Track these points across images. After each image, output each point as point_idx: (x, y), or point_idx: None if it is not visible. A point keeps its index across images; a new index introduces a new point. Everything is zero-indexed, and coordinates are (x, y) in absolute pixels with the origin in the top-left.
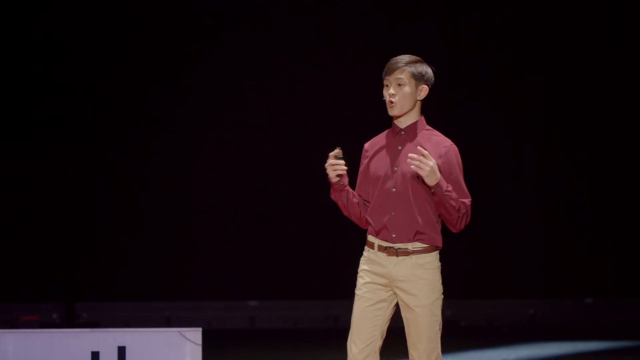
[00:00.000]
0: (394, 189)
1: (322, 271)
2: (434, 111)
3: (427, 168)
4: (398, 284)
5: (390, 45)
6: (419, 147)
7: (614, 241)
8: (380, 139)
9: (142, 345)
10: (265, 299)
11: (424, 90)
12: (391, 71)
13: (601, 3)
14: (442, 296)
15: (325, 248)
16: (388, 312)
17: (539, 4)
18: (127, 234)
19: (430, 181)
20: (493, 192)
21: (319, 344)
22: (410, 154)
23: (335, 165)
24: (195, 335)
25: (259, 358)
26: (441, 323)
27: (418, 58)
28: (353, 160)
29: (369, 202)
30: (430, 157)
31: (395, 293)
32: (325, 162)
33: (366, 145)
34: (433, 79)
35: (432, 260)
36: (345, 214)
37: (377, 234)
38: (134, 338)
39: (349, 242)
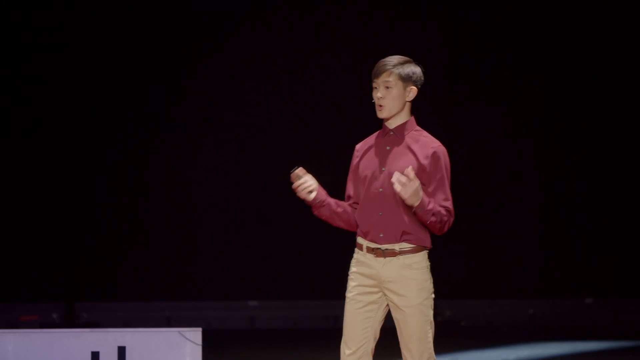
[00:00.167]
0: (381, 189)
1: (322, 271)
2: (434, 111)
3: (410, 190)
4: (387, 284)
5: (390, 45)
6: (406, 171)
7: (614, 241)
8: (370, 140)
9: (142, 345)
10: (265, 299)
11: (412, 92)
12: (379, 74)
13: (601, 3)
14: (433, 295)
15: (325, 248)
16: (380, 314)
17: (539, 4)
18: (127, 234)
19: (413, 202)
20: (493, 192)
21: (319, 344)
22: (395, 174)
23: (302, 185)
24: (195, 335)
25: (259, 358)
26: (433, 323)
27: (406, 59)
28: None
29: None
30: (416, 178)
31: (384, 294)
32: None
33: (357, 145)
34: (422, 79)
35: (420, 260)
36: (334, 225)
37: (365, 235)
38: (134, 338)
39: (349, 242)
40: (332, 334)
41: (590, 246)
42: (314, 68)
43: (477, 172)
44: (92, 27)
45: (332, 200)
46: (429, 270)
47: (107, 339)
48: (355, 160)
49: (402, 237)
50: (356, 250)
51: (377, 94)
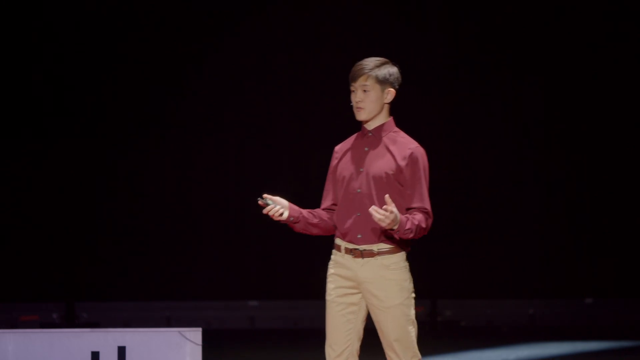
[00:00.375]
0: (359, 190)
1: (322, 271)
2: (434, 111)
3: (389, 220)
4: (365, 285)
5: (390, 45)
6: (384, 207)
7: (614, 241)
8: (349, 141)
9: (142, 345)
10: (265, 299)
11: (390, 94)
12: (356, 77)
13: (601, 3)
14: (414, 295)
15: (326, 248)
16: (361, 315)
17: (539, 4)
18: (127, 234)
19: (392, 226)
20: (493, 192)
21: (318, 344)
22: (372, 209)
23: (272, 210)
24: (195, 335)
25: (259, 358)
26: (415, 322)
27: (383, 60)
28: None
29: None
30: (394, 206)
31: (364, 296)
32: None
33: (337, 147)
34: (399, 79)
35: (399, 261)
36: (313, 234)
37: (343, 237)
38: (134, 338)
39: None
40: None
41: (590, 246)
42: (314, 68)
43: (477, 172)
44: (92, 27)
45: (306, 214)
46: (408, 270)
47: (107, 339)
48: (334, 162)
49: (381, 237)
50: (334, 251)
51: (355, 98)
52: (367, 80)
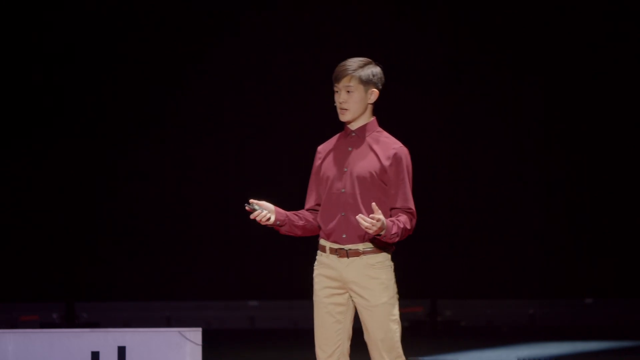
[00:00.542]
0: (343, 190)
1: None
2: (434, 111)
3: (375, 229)
4: (351, 285)
5: (390, 45)
6: (371, 215)
7: (614, 241)
8: (332, 141)
9: (142, 345)
10: (265, 299)
11: (374, 94)
12: (339, 78)
13: (601, 3)
14: (397, 295)
15: None
16: (349, 315)
17: (539, 4)
18: (127, 234)
19: (379, 232)
20: (493, 192)
21: None
22: (359, 217)
23: (259, 215)
24: (195, 335)
25: (259, 358)
26: (399, 322)
27: (366, 60)
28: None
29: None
30: (380, 212)
31: (349, 295)
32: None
33: (320, 147)
34: (383, 80)
35: (384, 260)
36: (299, 236)
37: (328, 237)
38: (134, 338)
39: None
40: None
41: (590, 246)
42: (314, 68)
43: (477, 172)
44: (92, 27)
45: (292, 216)
46: (392, 269)
47: (107, 339)
48: (317, 162)
49: (366, 236)
50: (319, 252)
51: (339, 99)
52: (351, 81)
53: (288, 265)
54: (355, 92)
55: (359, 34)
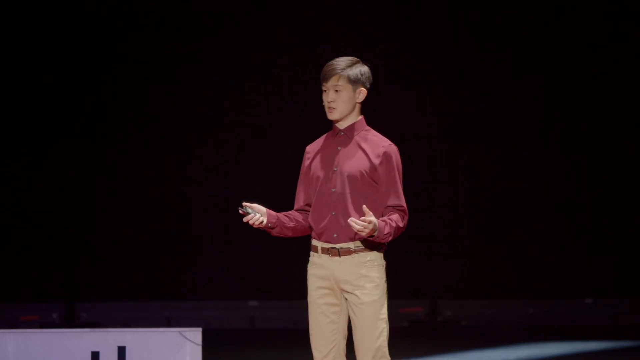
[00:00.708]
0: (333, 189)
1: None
2: (434, 111)
3: (367, 231)
4: (342, 284)
5: (390, 45)
6: (363, 218)
7: (614, 241)
8: (320, 141)
9: (142, 345)
10: (265, 299)
11: (362, 93)
12: (328, 77)
13: (601, 3)
14: (387, 295)
15: None
16: (344, 315)
17: (539, 4)
18: (127, 234)
19: (371, 233)
20: (493, 192)
21: None
22: (351, 220)
23: (252, 219)
24: (195, 335)
25: (259, 358)
26: (387, 322)
27: (354, 59)
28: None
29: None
30: (371, 214)
31: (341, 294)
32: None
33: (308, 147)
34: (371, 79)
35: (375, 258)
36: (291, 236)
37: (319, 237)
38: (134, 338)
39: None
40: None
41: (590, 246)
42: (314, 68)
43: (477, 172)
44: (92, 27)
45: (283, 218)
46: (384, 269)
47: (107, 339)
48: (306, 162)
49: (357, 235)
50: (311, 253)
51: (327, 98)
52: (339, 80)
53: (288, 265)
54: (344, 91)
55: (359, 34)
